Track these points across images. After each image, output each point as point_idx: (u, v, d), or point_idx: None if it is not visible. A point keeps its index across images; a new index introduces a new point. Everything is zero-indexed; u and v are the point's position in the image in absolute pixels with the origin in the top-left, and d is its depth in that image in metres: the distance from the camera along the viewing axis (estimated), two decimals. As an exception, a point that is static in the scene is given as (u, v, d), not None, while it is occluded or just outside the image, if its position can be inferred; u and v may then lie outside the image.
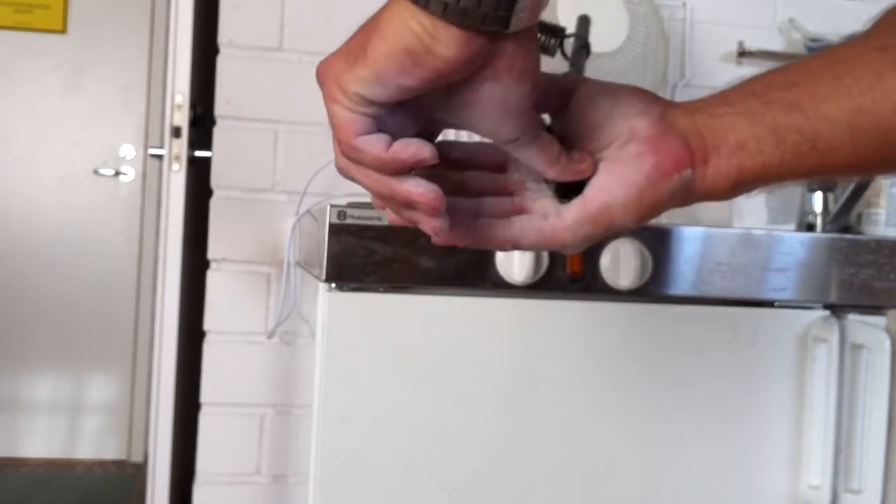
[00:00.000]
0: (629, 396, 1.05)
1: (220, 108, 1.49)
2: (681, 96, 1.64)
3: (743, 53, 1.65)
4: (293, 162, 1.50)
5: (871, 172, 0.48)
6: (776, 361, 1.09)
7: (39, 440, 3.25)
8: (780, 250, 1.06)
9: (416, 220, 0.46)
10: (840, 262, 1.07)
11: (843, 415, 1.07)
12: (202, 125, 1.48)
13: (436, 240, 0.48)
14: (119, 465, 3.25)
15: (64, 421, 3.27)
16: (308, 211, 1.33)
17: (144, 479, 1.48)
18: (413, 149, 0.43)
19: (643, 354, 1.05)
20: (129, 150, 3.28)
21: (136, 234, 3.29)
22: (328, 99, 0.43)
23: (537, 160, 0.46)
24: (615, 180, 0.46)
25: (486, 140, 0.46)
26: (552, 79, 0.49)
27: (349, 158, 0.44)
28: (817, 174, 0.47)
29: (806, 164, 0.46)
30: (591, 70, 1.33)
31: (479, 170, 0.50)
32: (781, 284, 1.06)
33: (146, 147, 3.26)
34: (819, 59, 0.49)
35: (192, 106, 1.39)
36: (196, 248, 1.51)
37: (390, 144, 0.42)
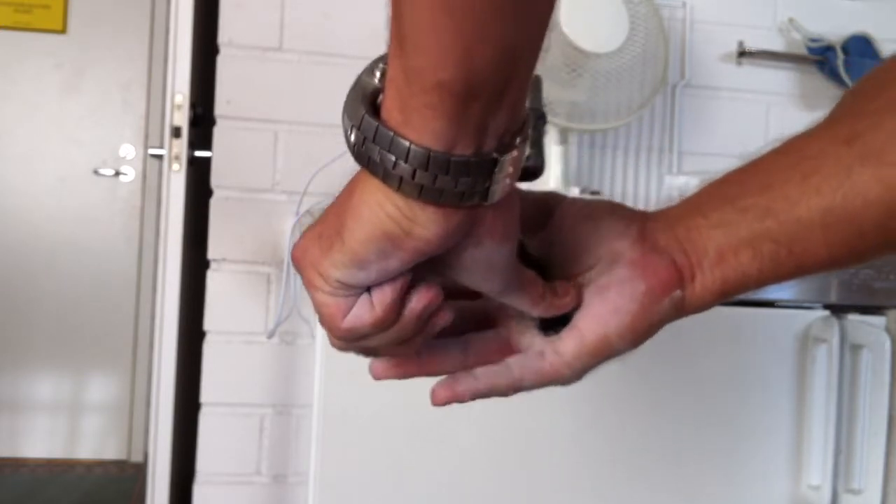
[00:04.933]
0: (629, 396, 1.05)
1: (220, 108, 1.49)
2: (681, 96, 1.64)
3: (743, 53, 1.65)
4: (293, 162, 1.50)
5: (845, 266, 0.48)
6: (776, 361, 1.09)
7: (39, 440, 3.25)
8: (780, 250, 1.06)
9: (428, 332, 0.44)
10: (840, 262, 1.07)
11: (843, 415, 1.07)
12: (202, 125, 1.48)
13: (439, 398, 0.48)
14: (119, 465, 3.25)
15: (64, 421, 3.27)
16: (308, 211, 1.33)
17: (144, 479, 1.47)
18: (423, 297, 0.41)
19: (643, 354, 1.05)
20: (129, 150, 3.28)
21: (135, 234, 3.29)
22: (308, 285, 0.41)
23: (522, 303, 0.45)
24: (608, 309, 0.46)
25: None
26: (528, 197, 0.47)
27: (347, 341, 0.43)
28: (796, 276, 0.47)
29: (785, 269, 0.46)
30: (591, 70, 1.33)
31: (455, 297, 0.47)
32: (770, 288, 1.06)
33: (146, 147, 3.26)
34: (788, 154, 0.48)
35: (192, 106, 1.39)
36: (196, 248, 1.51)
37: (384, 303, 0.41)
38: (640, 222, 0.47)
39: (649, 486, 1.06)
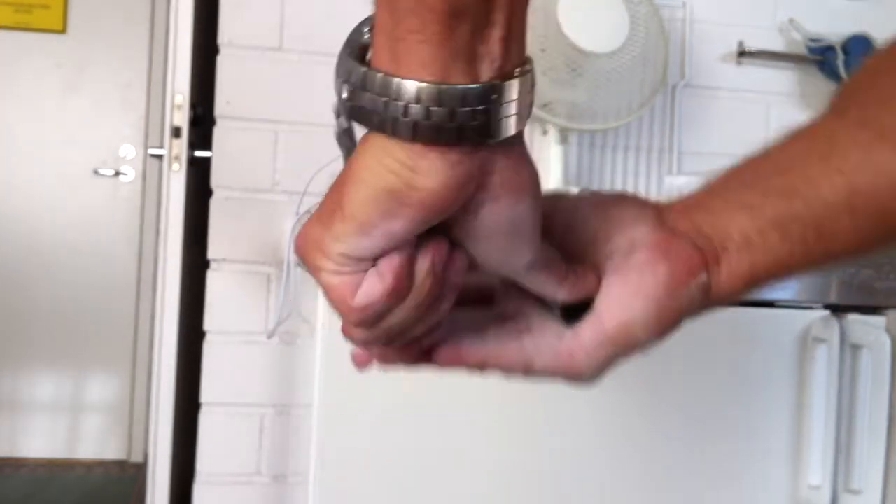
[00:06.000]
0: (629, 396, 1.05)
1: (220, 108, 1.49)
2: (681, 96, 1.64)
3: (743, 53, 1.65)
4: (293, 162, 1.50)
5: (871, 252, 0.45)
6: (776, 361, 1.09)
7: (40, 440, 3.25)
8: (780, 250, 1.06)
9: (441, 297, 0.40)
10: (840, 262, 1.07)
11: (843, 415, 1.07)
12: (202, 125, 1.48)
13: (442, 359, 0.43)
14: (119, 465, 3.25)
15: (64, 421, 3.27)
16: (308, 211, 1.33)
17: (144, 479, 1.48)
18: (431, 254, 0.37)
19: (642, 354, 1.05)
20: (129, 150, 3.28)
21: (136, 235, 3.29)
22: (313, 270, 0.38)
23: (547, 283, 0.41)
24: (629, 293, 0.42)
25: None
26: None
27: (364, 326, 0.39)
28: (826, 262, 0.44)
29: (815, 254, 0.43)
30: (591, 70, 1.33)
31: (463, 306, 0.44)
32: (781, 284, 1.06)
33: (146, 147, 3.26)
34: (797, 140, 0.46)
35: (192, 106, 1.39)
36: (196, 248, 1.51)
37: (394, 269, 0.37)
38: (655, 209, 0.45)
39: (649, 485, 1.06)
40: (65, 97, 3.23)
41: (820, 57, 1.62)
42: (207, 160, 1.49)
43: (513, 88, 0.34)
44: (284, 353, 1.51)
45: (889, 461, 1.07)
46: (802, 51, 1.65)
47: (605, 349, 0.43)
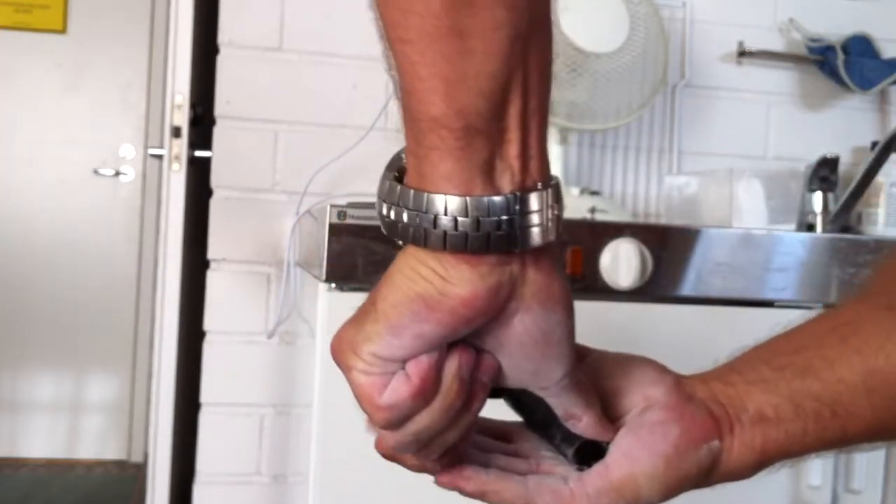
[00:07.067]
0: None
1: (220, 108, 1.49)
2: (681, 96, 1.64)
3: (743, 53, 1.65)
4: (293, 162, 1.50)
5: (891, 433, 0.45)
6: (776, 361, 1.09)
7: (39, 440, 3.25)
8: (780, 250, 1.06)
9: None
10: (840, 262, 1.07)
11: (843, 415, 1.07)
12: (202, 125, 1.48)
13: (442, 479, 0.44)
14: (119, 465, 3.25)
15: (64, 421, 3.27)
16: (308, 211, 1.33)
17: (144, 479, 1.47)
18: (462, 361, 0.39)
19: (643, 354, 1.05)
20: (129, 150, 3.28)
21: (136, 234, 3.29)
22: (344, 369, 0.39)
23: (576, 405, 0.42)
24: (639, 447, 0.43)
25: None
26: None
27: (391, 426, 0.39)
28: (842, 442, 0.45)
29: (830, 432, 0.44)
30: (591, 70, 1.33)
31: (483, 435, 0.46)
32: (781, 284, 1.06)
33: (146, 147, 3.26)
34: (820, 321, 0.47)
35: (192, 106, 1.39)
36: (196, 248, 1.51)
37: (422, 371, 0.38)
38: (674, 375, 0.47)
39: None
40: (65, 97, 3.23)
41: (820, 57, 1.62)
42: (207, 160, 1.49)
43: (534, 200, 0.36)
44: (284, 353, 1.51)
45: (889, 461, 1.07)
46: (802, 51, 1.65)
47: (607, 498, 0.43)
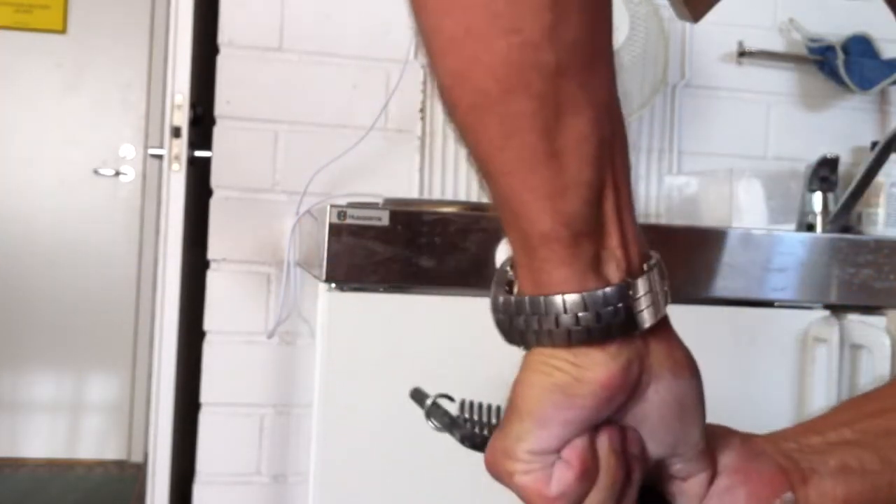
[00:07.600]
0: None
1: (220, 108, 1.49)
2: (681, 96, 1.64)
3: (743, 53, 1.65)
4: (293, 162, 1.50)
5: None
6: (776, 361, 1.09)
7: (39, 440, 3.25)
8: (780, 250, 1.06)
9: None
10: (840, 262, 1.07)
11: (843, 415, 1.07)
12: (202, 125, 1.48)
13: None
14: (119, 465, 3.25)
15: (64, 421, 3.27)
16: (308, 211, 1.33)
17: (144, 479, 1.47)
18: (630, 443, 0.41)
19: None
20: (129, 150, 3.28)
21: (136, 234, 3.29)
22: (505, 477, 0.40)
23: (704, 475, 0.44)
24: None
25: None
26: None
27: None
28: None
29: None
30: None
31: None
32: (781, 284, 1.06)
33: (146, 147, 3.26)
34: (893, 385, 0.48)
35: (192, 106, 1.39)
36: (196, 248, 1.51)
37: (579, 453, 0.39)
38: (741, 435, 0.47)
39: (649, 486, 1.06)
40: (65, 97, 3.23)
41: (820, 57, 1.62)
42: (207, 160, 1.49)
43: (642, 283, 0.39)
44: (284, 353, 1.51)
45: (889, 461, 1.06)
46: (802, 51, 1.65)
47: None
